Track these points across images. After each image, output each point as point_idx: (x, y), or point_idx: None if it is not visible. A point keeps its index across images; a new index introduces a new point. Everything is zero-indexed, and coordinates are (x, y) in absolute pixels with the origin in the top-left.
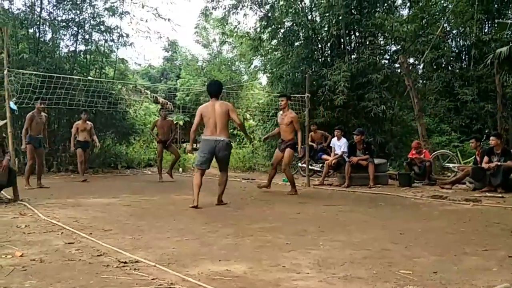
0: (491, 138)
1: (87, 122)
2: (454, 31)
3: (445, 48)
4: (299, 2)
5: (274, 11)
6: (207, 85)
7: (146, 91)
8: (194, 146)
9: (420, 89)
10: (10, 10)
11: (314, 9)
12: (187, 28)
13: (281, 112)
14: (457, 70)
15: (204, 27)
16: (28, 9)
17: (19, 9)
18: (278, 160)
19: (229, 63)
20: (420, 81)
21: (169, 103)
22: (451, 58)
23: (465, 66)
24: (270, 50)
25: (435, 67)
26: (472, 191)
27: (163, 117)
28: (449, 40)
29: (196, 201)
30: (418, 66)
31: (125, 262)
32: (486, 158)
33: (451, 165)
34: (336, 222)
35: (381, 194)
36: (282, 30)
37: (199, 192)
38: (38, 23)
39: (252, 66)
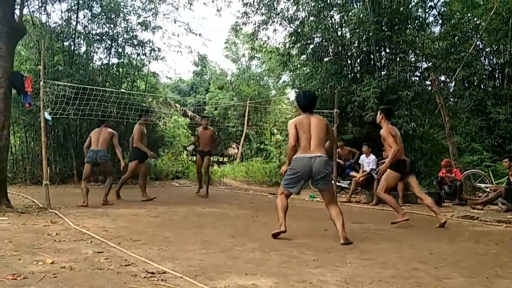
0: None
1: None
2: (487, 49)
3: (478, 66)
4: (329, 18)
5: (304, 27)
6: (300, 97)
7: (175, 104)
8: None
9: (451, 107)
10: (47, 23)
11: (344, 25)
12: (217, 43)
13: None
14: (490, 89)
15: (234, 42)
16: (64, 23)
17: (55, 23)
18: None
19: (257, 78)
20: (452, 99)
21: (197, 116)
22: (484, 76)
23: (498, 84)
24: (299, 65)
25: (467, 85)
26: (505, 213)
27: (204, 126)
28: (482, 58)
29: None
30: (450, 84)
31: (153, 273)
32: None
33: (482, 185)
34: (364, 240)
35: (410, 213)
36: (311, 46)
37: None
38: (73, 36)
39: (281, 81)
